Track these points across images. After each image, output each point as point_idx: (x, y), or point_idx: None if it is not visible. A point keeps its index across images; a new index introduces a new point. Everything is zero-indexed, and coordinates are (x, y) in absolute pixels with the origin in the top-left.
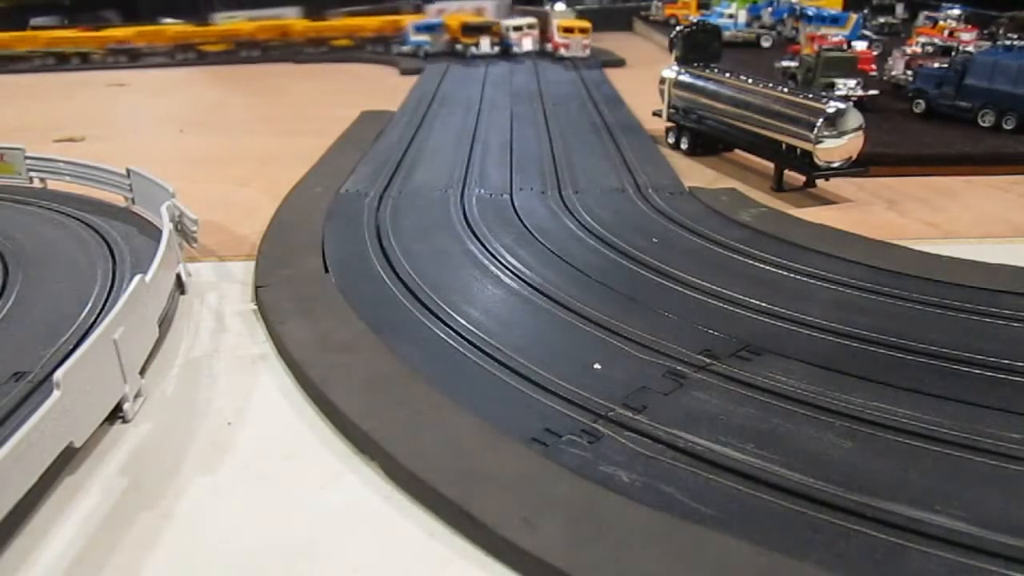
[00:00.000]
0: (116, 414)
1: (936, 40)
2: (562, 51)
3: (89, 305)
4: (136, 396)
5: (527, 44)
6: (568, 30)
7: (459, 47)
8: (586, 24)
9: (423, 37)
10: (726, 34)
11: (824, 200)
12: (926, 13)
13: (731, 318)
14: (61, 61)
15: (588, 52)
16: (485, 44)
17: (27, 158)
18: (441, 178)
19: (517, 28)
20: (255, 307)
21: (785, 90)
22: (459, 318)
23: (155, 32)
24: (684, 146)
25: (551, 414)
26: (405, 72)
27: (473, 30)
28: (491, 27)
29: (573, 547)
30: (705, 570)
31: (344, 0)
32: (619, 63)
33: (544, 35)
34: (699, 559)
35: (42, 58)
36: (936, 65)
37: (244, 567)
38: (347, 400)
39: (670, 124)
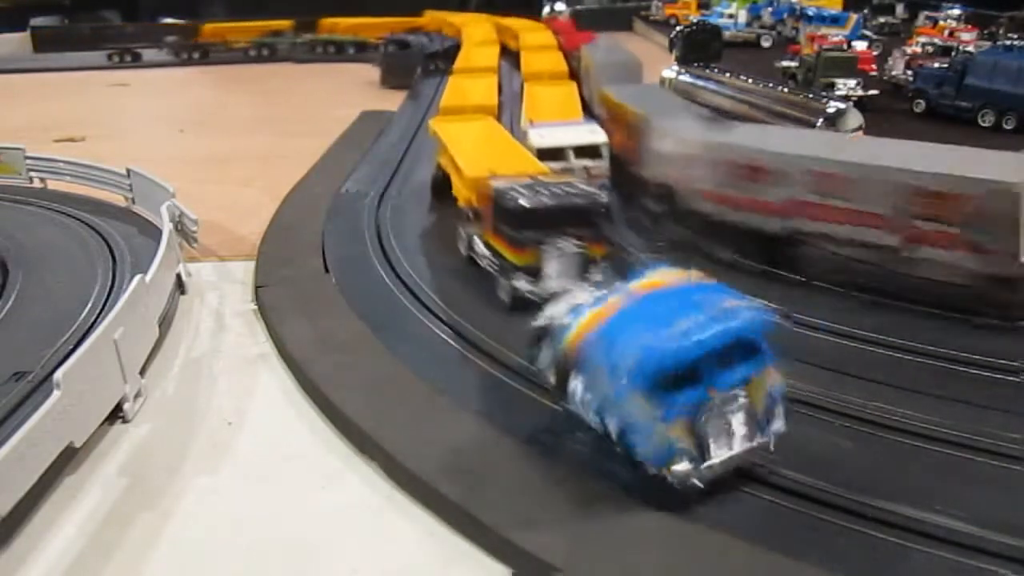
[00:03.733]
0: (116, 414)
1: (936, 40)
2: None
3: (89, 305)
4: (136, 396)
5: (552, 276)
6: None
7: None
8: None
9: None
10: (726, 34)
11: None
12: (926, 13)
13: None
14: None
15: None
16: None
17: (27, 158)
18: None
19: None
20: (255, 307)
21: (785, 90)
22: (459, 318)
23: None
24: None
25: (551, 414)
26: None
27: None
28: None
29: (573, 547)
30: (705, 570)
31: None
32: None
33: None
34: (699, 559)
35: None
36: (936, 65)
37: (244, 566)
38: (347, 400)
39: None
